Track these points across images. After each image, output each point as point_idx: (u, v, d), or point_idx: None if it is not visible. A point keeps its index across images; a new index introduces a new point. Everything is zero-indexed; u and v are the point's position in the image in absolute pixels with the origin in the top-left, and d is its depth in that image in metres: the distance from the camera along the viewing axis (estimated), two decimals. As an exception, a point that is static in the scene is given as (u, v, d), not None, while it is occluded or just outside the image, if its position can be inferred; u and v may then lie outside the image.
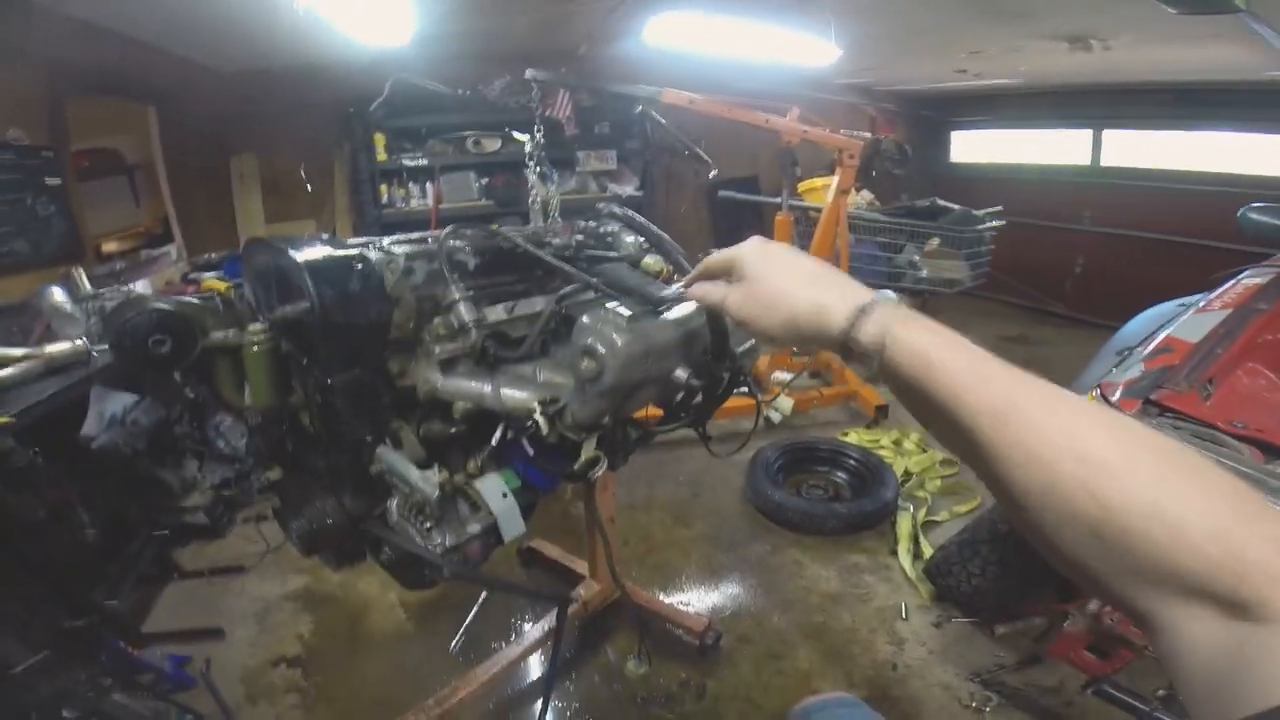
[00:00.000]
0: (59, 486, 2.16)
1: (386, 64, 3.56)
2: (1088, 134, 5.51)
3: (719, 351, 0.92)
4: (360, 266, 0.91)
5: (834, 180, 3.43)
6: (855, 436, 3.44)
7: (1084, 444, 0.40)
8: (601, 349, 0.85)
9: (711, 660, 2.04)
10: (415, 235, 1.13)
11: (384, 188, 4.06)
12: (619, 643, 2.13)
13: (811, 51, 3.48)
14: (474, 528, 1.02)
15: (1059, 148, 5.78)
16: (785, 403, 3.45)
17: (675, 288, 0.85)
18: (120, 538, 2.42)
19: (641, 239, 1.40)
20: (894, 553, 2.53)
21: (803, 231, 4.11)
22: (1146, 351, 1.78)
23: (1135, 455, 0.39)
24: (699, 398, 1.11)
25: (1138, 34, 3.34)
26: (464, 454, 1.08)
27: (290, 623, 2.27)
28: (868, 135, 3.54)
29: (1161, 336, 1.83)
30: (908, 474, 3.06)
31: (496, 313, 1.01)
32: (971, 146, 6.56)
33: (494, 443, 1.05)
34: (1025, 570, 1.99)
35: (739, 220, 5.06)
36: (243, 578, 2.47)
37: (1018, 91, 5.53)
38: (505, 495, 1.06)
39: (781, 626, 2.21)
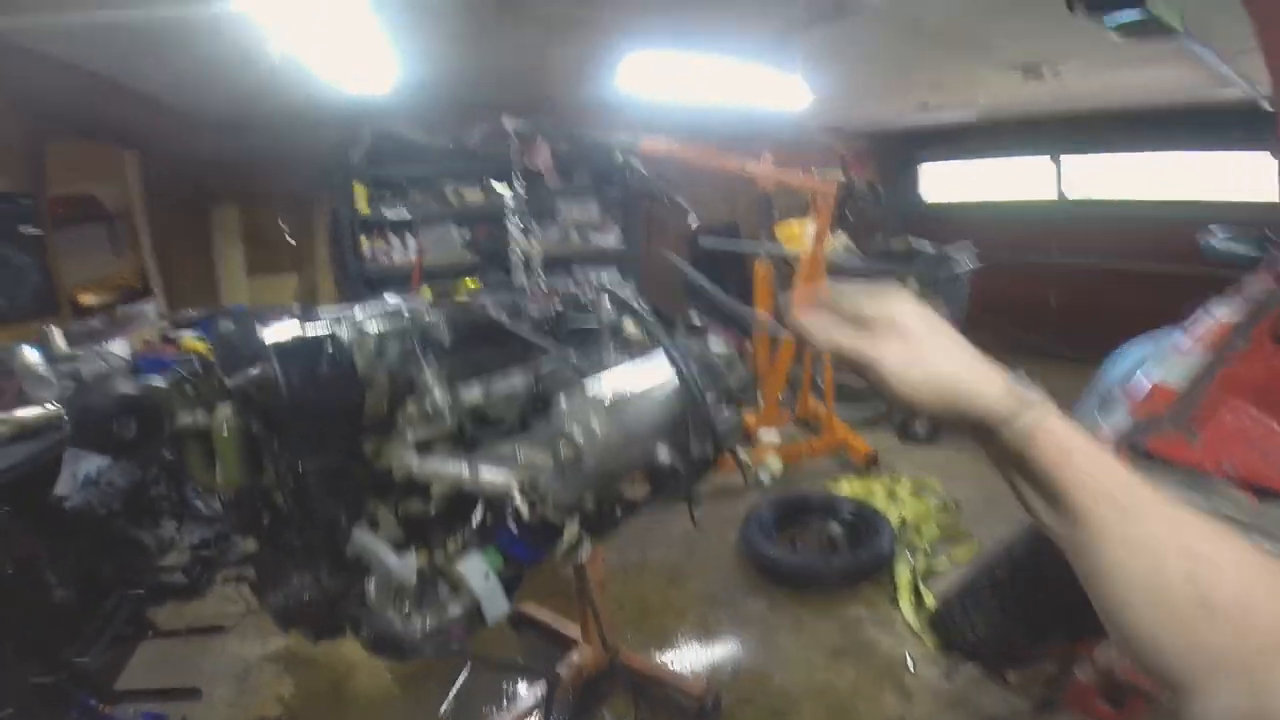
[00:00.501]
0: (28, 544, 2.09)
1: (366, 112, 3.58)
2: (1047, 160, 5.70)
3: (702, 433, 0.90)
4: (330, 349, 0.88)
5: (810, 225, 3.46)
6: (847, 486, 3.42)
7: (1197, 543, 0.45)
8: (580, 437, 0.83)
9: (719, 721, 1.97)
10: (391, 304, 1.11)
11: (365, 240, 4.05)
12: (616, 707, 2.05)
13: (785, 94, 3.57)
14: (455, 610, 0.97)
15: (1024, 181, 5.99)
16: (775, 463, 3.43)
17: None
18: (94, 596, 2.35)
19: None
20: (895, 603, 2.47)
21: (781, 277, 4.13)
22: (1130, 398, 1.77)
23: (1242, 559, 0.45)
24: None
25: (1084, 60, 3.46)
26: (445, 533, 1.03)
27: (271, 684, 2.21)
28: (840, 177, 3.60)
29: (1143, 380, 1.84)
30: (903, 522, 3.01)
31: (473, 394, 0.98)
32: (940, 182, 6.76)
33: (474, 524, 1.00)
34: (1029, 617, 1.93)
35: (720, 268, 4.97)
36: (223, 638, 2.36)
37: (980, 125, 5.71)
38: (488, 576, 1.00)
39: (784, 685, 2.14)
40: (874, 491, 3.33)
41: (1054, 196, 5.72)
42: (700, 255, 5.38)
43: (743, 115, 3.94)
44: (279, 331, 0.89)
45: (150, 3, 1.87)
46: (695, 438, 0.91)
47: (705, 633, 2.43)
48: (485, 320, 1.08)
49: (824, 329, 0.57)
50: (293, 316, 1.02)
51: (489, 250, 4.17)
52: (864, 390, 2.93)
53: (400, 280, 4.05)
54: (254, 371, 0.90)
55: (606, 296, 1.05)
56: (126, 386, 0.93)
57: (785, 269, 4.08)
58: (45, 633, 2.07)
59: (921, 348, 0.54)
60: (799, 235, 3.69)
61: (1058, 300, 5.57)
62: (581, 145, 4.02)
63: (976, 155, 6.35)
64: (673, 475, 0.98)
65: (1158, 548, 0.46)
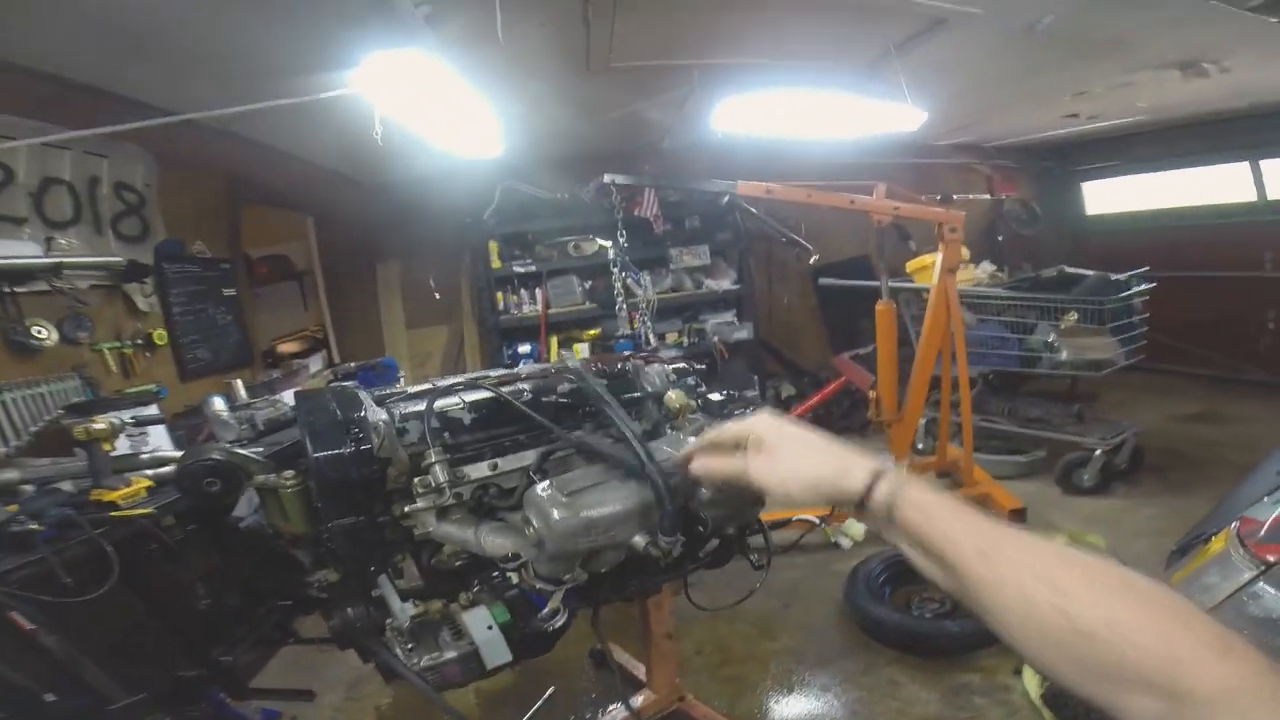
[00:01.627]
0: (209, 558, 2.55)
1: (494, 172, 3.95)
2: (1244, 166, 4.71)
3: (669, 529, 0.93)
4: (354, 429, 1.03)
5: (938, 258, 3.20)
6: (990, 543, 3.07)
7: (1054, 574, 0.50)
8: (536, 523, 0.91)
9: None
10: (447, 383, 1.25)
11: (500, 295, 4.41)
12: None
13: (894, 117, 3.39)
14: (450, 654, 1.09)
15: (1213, 186, 4.97)
16: (856, 528, 3.19)
17: (680, 454, 0.90)
18: (250, 604, 2.79)
19: (669, 369, 1.45)
20: (1018, 672, 2.18)
21: (915, 315, 3.83)
22: None
23: (1097, 582, 0.49)
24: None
25: (1256, 51, 2.93)
26: (460, 586, 1.14)
27: (375, 695, 2.43)
28: (986, 197, 3.30)
29: None
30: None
31: (480, 470, 1.08)
32: (1108, 196, 5.84)
33: (487, 582, 1.11)
34: None
35: (850, 307, 4.76)
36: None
37: (1149, 128, 4.88)
38: (490, 627, 1.11)
39: None
40: (1020, 549, 2.98)
41: (1253, 197, 4.73)
42: (828, 297, 5.14)
43: (858, 145, 3.80)
44: (316, 414, 1.06)
45: (291, 86, 2.20)
46: (662, 531, 0.95)
47: (784, 689, 2.32)
48: (503, 400, 1.19)
49: (704, 464, 0.75)
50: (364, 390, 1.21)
51: (605, 300, 4.37)
52: (1019, 436, 2.59)
53: (531, 330, 4.43)
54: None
55: (569, 369, 1.11)
56: (215, 453, 1.17)
57: (918, 304, 3.80)
58: (201, 633, 2.51)
59: (778, 453, 0.66)
60: (932, 267, 3.42)
61: (1277, 320, 4.59)
62: (689, 193, 4.12)
63: (1151, 168, 5.42)
64: (652, 559, 1.02)
65: (1024, 587, 0.50)
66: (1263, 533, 1.32)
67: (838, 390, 4.66)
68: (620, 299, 3.00)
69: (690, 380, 1.36)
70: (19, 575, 1.45)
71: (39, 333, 2.10)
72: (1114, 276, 3.58)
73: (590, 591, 1.15)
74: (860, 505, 0.61)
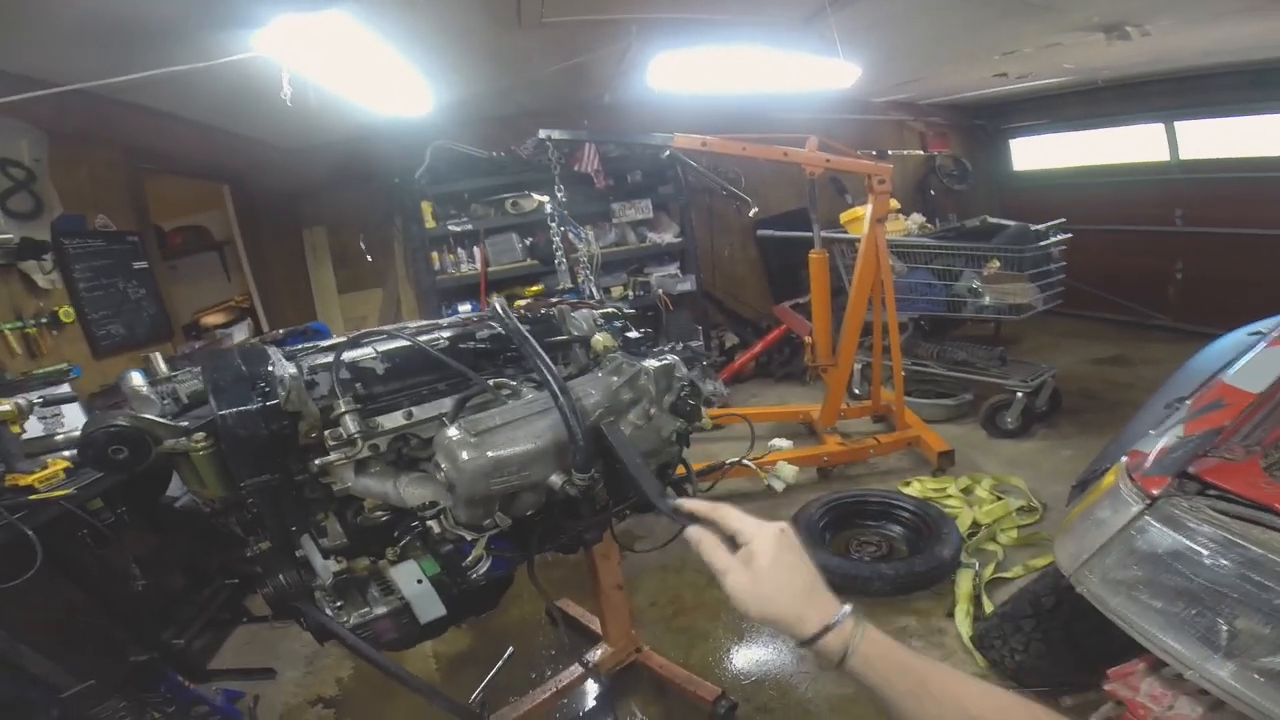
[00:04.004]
0: (144, 540, 2.43)
1: (426, 131, 3.79)
2: (1159, 128, 4.97)
3: (582, 465, 0.92)
4: (260, 384, 0.99)
5: (867, 209, 3.27)
6: (918, 486, 3.21)
7: (970, 708, 0.60)
8: (444, 466, 0.89)
9: (725, 732, 1.94)
10: (360, 334, 1.19)
11: (435, 255, 4.28)
12: (630, 705, 2.09)
13: (829, 73, 3.40)
14: (380, 610, 1.08)
15: (1130, 145, 5.24)
16: (787, 470, 3.24)
17: (687, 505, 0.82)
18: (199, 585, 2.69)
19: (599, 315, 1.43)
20: (951, 615, 2.29)
21: (848, 265, 3.95)
22: (1190, 409, 1.52)
23: (1006, 710, 0.60)
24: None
25: (1177, 16, 3.06)
26: (387, 542, 1.11)
27: (334, 667, 2.41)
28: (919, 153, 3.37)
29: (1213, 385, 1.57)
30: (976, 526, 2.80)
31: (394, 419, 1.04)
32: (1034, 154, 6.10)
33: (420, 537, 1.07)
34: (1077, 647, 1.76)
35: (790, 257, 4.90)
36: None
37: (1074, 89, 5.09)
38: (420, 581, 1.09)
39: (806, 697, 2.06)
40: (948, 492, 3.12)
41: (1166, 157, 5.00)
42: (769, 248, 5.29)
43: (797, 101, 3.80)
44: (221, 372, 1.00)
45: (198, 53, 2.10)
46: (577, 469, 0.94)
47: (735, 636, 2.38)
48: (417, 348, 1.15)
49: (704, 537, 0.75)
50: (277, 347, 1.14)
51: (547, 256, 4.30)
52: (947, 380, 2.68)
53: (471, 290, 4.31)
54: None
55: (497, 310, 1.08)
56: (120, 420, 1.09)
57: (851, 254, 3.89)
58: (146, 617, 2.42)
59: (760, 579, 0.69)
60: (863, 219, 3.51)
61: (1187, 271, 4.87)
62: (629, 147, 4.07)
63: (1075, 126, 5.66)
64: (584, 497, 1.01)
65: (945, 711, 0.60)
66: (1148, 465, 1.35)
67: (778, 339, 4.82)
68: (560, 254, 2.95)
69: (618, 324, 1.35)
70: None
71: None
72: (1034, 227, 3.73)
73: (522, 541, 1.14)
74: (806, 645, 0.66)
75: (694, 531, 0.76)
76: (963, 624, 2.22)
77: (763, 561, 0.69)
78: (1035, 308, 3.64)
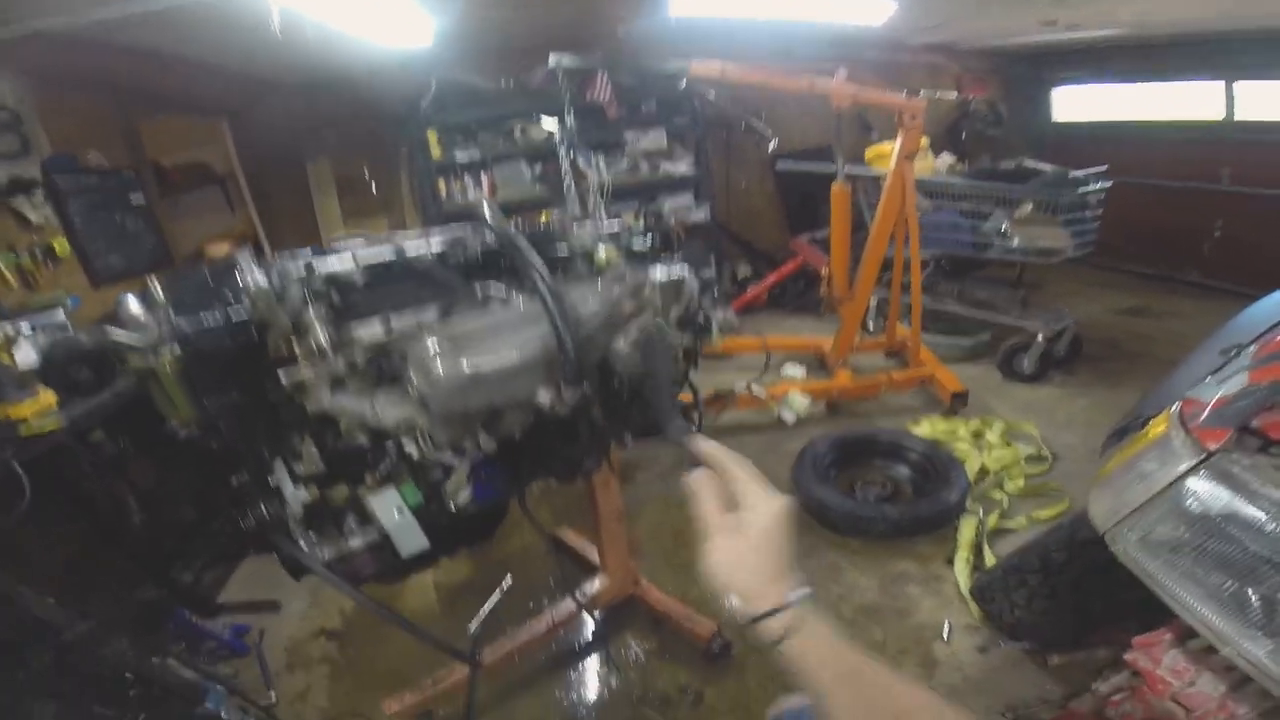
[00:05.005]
0: (146, 473, 2.45)
1: (431, 64, 3.64)
2: (1217, 87, 4.66)
3: (572, 378, 0.84)
4: (225, 295, 0.91)
5: (896, 144, 3.11)
6: (928, 426, 3.13)
7: (899, 700, 0.61)
8: (417, 379, 0.82)
9: (717, 668, 1.94)
10: (340, 241, 1.12)
11: (441, 183, 4.17)
12: (625, 639, 2.09)
13: (862, 8, 3.15)
14: (356, 542, 1.01)
15: (1181, 101, 4.95)
16: (799, 400, 3.22)
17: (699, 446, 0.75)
18: (207, 519, 2.72)
19: (605, 231, 1.34)
20: (950, 562, 2.26)
21: (871, 201, 3.78)
22: (1255, 356, 1.37)
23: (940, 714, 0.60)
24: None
25: None
26: (365, 468, 1.05)
27: (338, 598, 2.37)
28: (953, 95, 3.18)
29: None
30: (984, 472, 2.74)
31: (372, 330, 0.96)
32: (1078, 104, 5.73)
33: (406, 462, 1.01)
34: (1081, 607, 1.71)
35: (810, 193, 4.71)
36: (306, 557, 2.71)
37: (1126, 42, 4.76)
38: (400, 511, 1.03)
39: None
40: (958, 434, 3.04)
41: (1220, 116, 4.71)
42: (784, 182, 5.14)
43: (827, 36, 3.55)
44: (181, 284, 0.93)
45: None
46: (565, 382, 0.86)
47: None
48: (403, 259, 1.07)
49: (704, 488, 0.72)
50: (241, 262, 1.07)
51: (557, 184, 4.16)
52: (965, 319, 2.70)
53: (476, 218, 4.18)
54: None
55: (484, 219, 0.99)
56: (84, 339, 1.03)
57: (875, 190, 3.73)
58: (155, 552, 2.43)
59: (746, 550, 0.68)
60: (890, 155, 3.35)
61: (1226, 230, 4.64)
62: (642, 75, 3.86)
63: (1125, 79, 5.31)
64: (579, 417, 0.94)
65: (870, 696, 0.60)
66: (1205, 415, 1.21)
67: (794, 271, 4.75)
68: (570, 181, 2.83)
69: (624, 237, 1.25)
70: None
71: None
72: (1073, 174, 3.54)
73: (513, 467, 1.08)
74: (752, 621, 0.66)
75: (697, 478, 0.73)
76: (961, 573, 2.19)
77: (753, 534, 0.68)
78: (1065, 253, 3.48)
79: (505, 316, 0.94)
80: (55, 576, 1.99)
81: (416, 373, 0.83)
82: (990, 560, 2.22)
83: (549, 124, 3.00)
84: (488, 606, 2.26)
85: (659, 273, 1.10)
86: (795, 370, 3.74)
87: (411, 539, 1.04)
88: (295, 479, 1.00)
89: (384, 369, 0.98)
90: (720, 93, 3.36)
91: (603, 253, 1.19)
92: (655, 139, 4.40)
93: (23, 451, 1.55)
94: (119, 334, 1.11)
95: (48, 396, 1.64)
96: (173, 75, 3.11)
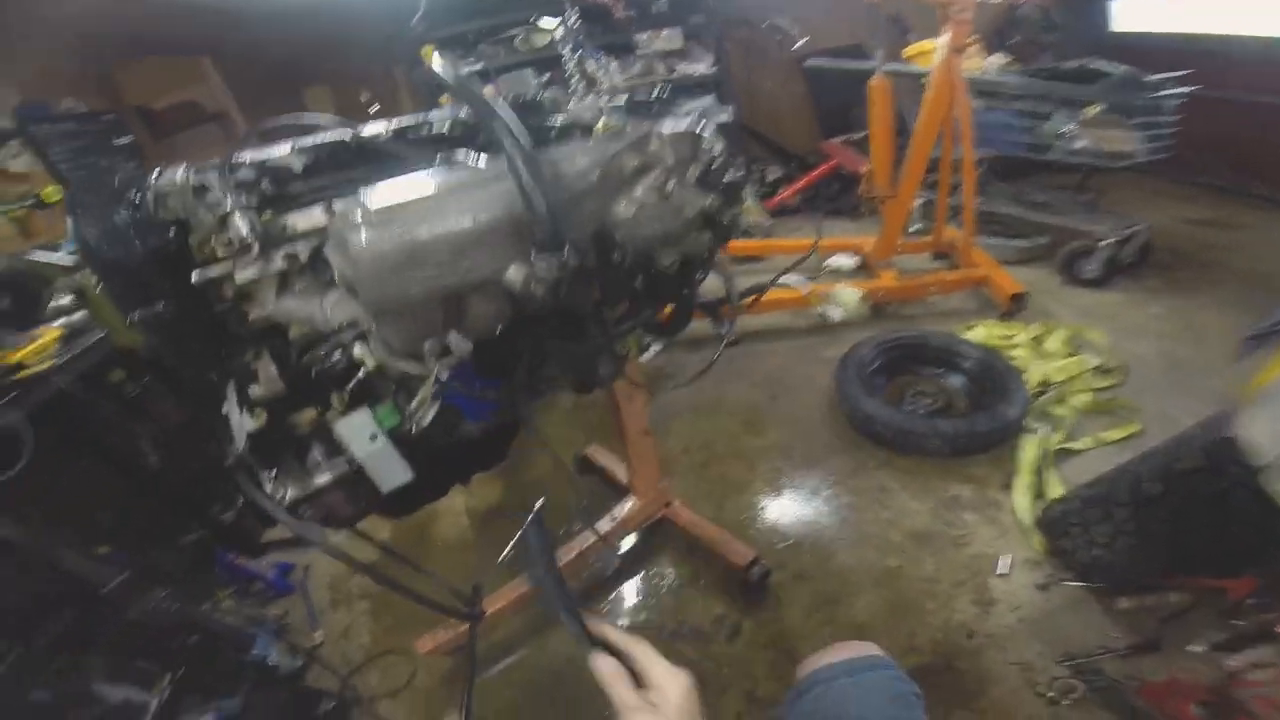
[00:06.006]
0: (172, 411, 2.40)
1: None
2: None
3: (548, 241, 0.65)
4: (131, 193, 0.75)
5: (941, 39, 2.78)
6: (983, 331, 2.87)
7: None
8: (334, 257, 0.66)
9: (755, 598, 1.82)
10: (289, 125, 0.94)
11: (444, 99, 3.89)
12: (658, 565, 1.99)
13: None
14: (323, 478, 0.86)
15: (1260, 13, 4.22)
16: (848, 295, 2.97)
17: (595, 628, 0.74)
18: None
19: (605, 102, 1.13)
20: (1009, 487, 2.06)
21: (911, 103, 3.43)
22: None
23: None
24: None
25: None
26: (332, 387, 0.89)
27: (374, 529, 2.33)
28: None
29: None
30: (1045, 384, 2.48)
31: (311, 218, 0.78)
32: (1138, 15, 5.01)
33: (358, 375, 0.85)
34: (1175, 548, 1.50)
35: (842, 95, 4.37)
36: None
37: None
38: (374, 437, 0.87)
39: (846, 565, 1.90)
40: (1015, 340, 2.78)
41: None
42: (815, 83, 4.75)
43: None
44: (86, 193, 0.77)
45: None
46: (543, 245, 0.67)
47: (773, 491, 2.21)
48: (355, 141, 0.89)
49: (610, 667, 0.69)
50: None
51: (567, 91, 3.90)
52: (1021, 221, 2.41)
53: (483, 128, 3.98)
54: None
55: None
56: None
57: (917, 89, 3.41)
58: (195, 493, 2.39)
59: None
60: (932, 53, 2.98)
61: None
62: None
63: None
64: (542, 302, 0.75)
65: None
66: None
67: (827, 173, 4.47)
68: (577, 83, 2.56)
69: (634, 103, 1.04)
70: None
71: None
72: (1147, 77, 3.10)
73: (509, 377, 0.90)
74: None
75: (600, 661, 0.70)
76: (1021, 500, 1.99)
77: (668, 710, 0.65)
78: (1136, 157, 3.08)
79: (457, 177, 0.74)
80: (112, 529, 1.98)
81: (334, 251, 0.66)
82: (1054, 487, 2.01)
83: (548, 23, 2.69)
84: (519, 534, 2.18)
85: (670, 125, 0.88)
86: (844, 261, 3.47)
87: (390, 470, 0.89)
88: (249, 404, 0.85)
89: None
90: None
91: (605, 125, 0.99)
92: (670, 38, 4.02)
93: (24, 398, 1.49)
94: (41, 256, 0.98)
95: (48, 337, 1.57)
96: (142, 16, 2.93)
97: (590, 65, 2.46)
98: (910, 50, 3.69)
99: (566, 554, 1.86)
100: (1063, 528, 1.74)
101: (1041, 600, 1.72)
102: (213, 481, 2.53)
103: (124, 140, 2.78)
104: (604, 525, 1.91)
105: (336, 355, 0.76)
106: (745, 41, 4.53)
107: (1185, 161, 3.47)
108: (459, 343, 0.74)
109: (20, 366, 1.55)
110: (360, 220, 0.65)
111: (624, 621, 1.87)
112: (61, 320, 1.82)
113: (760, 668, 1.66)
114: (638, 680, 0.69)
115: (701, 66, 4.11)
